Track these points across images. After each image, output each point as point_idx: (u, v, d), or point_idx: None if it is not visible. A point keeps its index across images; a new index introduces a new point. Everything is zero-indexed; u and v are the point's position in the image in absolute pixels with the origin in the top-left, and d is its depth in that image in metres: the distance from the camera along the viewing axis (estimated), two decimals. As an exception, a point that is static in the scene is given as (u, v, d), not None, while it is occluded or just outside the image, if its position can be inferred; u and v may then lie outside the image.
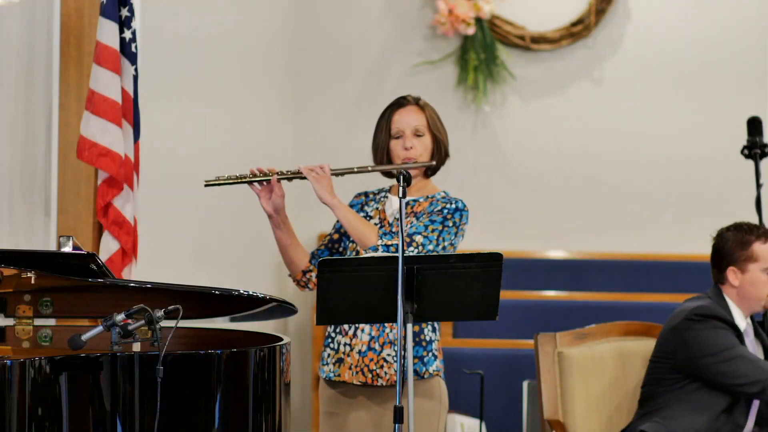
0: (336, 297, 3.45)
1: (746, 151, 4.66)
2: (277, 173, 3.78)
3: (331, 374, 3.83)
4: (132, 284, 3.64)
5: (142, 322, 3.21)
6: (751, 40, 7.04)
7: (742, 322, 4.38)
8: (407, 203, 3.85)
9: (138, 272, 4.62)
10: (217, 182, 3.78)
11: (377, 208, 3.89)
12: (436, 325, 3.84)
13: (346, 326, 3.81)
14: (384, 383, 3.76)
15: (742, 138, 4.78)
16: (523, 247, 7.02)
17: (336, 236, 3.93)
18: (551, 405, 4.43)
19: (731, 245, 4.36)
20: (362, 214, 3.90)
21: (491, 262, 3.46)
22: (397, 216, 3.80)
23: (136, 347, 3.45)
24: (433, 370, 3.80)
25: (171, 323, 3.22)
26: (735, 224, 4.41)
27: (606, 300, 6.60)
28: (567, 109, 7.09)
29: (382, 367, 3.75)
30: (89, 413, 3.20)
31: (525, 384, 5.29)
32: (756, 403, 4.34)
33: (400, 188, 3.46)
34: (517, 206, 7.07)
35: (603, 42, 7.09)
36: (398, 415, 3.34)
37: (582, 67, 7.11)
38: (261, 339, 3.71)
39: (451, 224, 3.77)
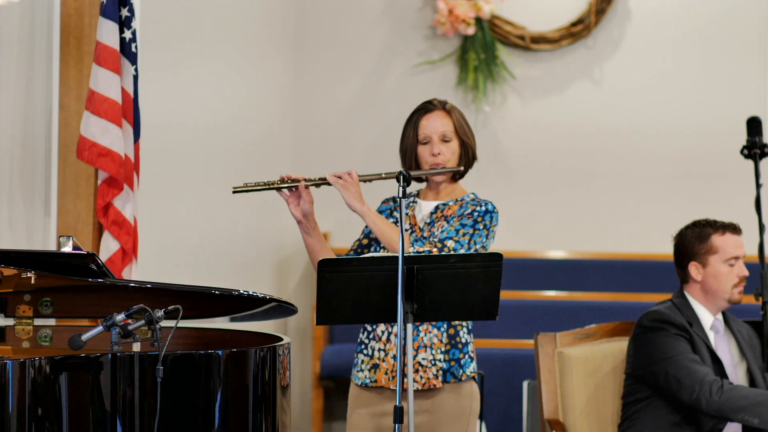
0: (336, 297, 3.45)
1: (746, 151, 4.66)
2: (305, 179, 3.79)
3: (367, 380, 3.82)
4: (132, 284, 3.64)
5: (142, 322, 3.21)
6: (751, 38, 7.04)
7: (709, 319, 4.37)
8: (437, 207, 3.86)
9: (138, 272, 4.61)
10: (245, 189, 3.78)
11: (407, 214, 3.89)
12: (470, 326, 3.84)
13: (379, 332, 3.81)
14: (419, 387, 3.76)
15: (744, 137, 4.78)
16: (523, 247, 7.02)
17: (365, 241, 3.92)
18: (551, 405, 4.43)
19: (690, 241, 4.39)
20: (392, 220, 3.89)
21: (491, 262, 3.47)
22: (428, 221, 3.82)
23: (136, 347, 3.45)
24: (470, 372, 3.81)
25: (171, 323, 3.22)
26: (693, 222, 4.44)
27: (606, 300, 6.60)
28: (567, 109, 7.10)
29: (417, 371, 3.75)
30: (89, 413, 3.20)
31: (525, 384, 5.29)
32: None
33: (400, 188, 3.46)
34: (517, 206, 7.07)
35: (603, 42, 7.10)
36: (398, 415, 3.34)
37: (582, 67, 7.11)
38: (261, 339, 3.71)
39: (481, 227, 3.78)
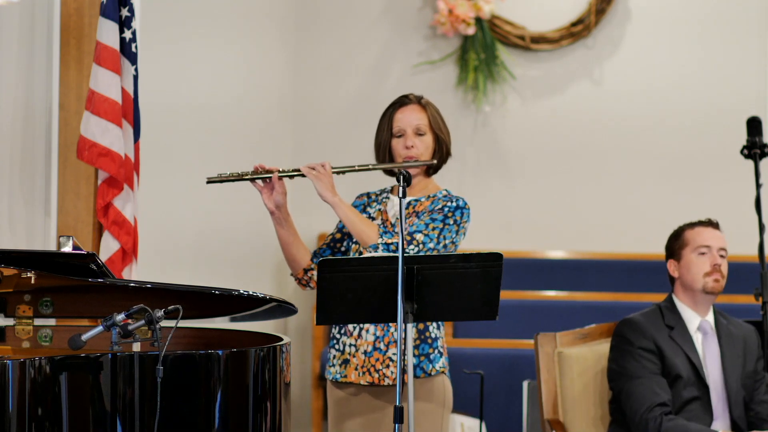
0: (336, 297, 3.45)
1: (746, 151, 4.66)
2: (279, 171, 3.80)
3: (338, 375, 3.84)
4: (132, 284, 3.64)
5: (142, 322, 3.21)
6: (751, 38, 7.04)
7: (696, 320, 4.37)
8: (409, 203, 3.86)
9: (138, 272, 4.62)
10: (219, 179, 3.80)
11: (379, 209, 3.89)
12: (440, 322, 3.84)
13: (350, 327, 3.82)
14: (390, 382, 3.77)
15: (744, 137, 4.78)
16: (523, 247, 7.02)
17: (338, 235, 3.94)
18: (551, 405, 4.43)
19: (669, 242, 4.48)
20: (365, 215, 3.90)
21: (491, 262, 3.46)
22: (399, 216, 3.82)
23: (136, 347, 3.45)
24: (440, 367, 3.81)
25: (171, 323, 3.22)
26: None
27: (606, 300, 6.60)
28: (567, 109, 7.10)
29: (387, 366, 3.76)
30: (89, 413, 3.20)
31: (525, 384, 5.29)
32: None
33: (400, 188, 3.46)
34: (517, 206, 7.08)
35: (603, 42, 7.10)
36: (398, 415, 3.34)
37: (582, 67, 7.11)
38: (261, 339, 3.71)
39: (451, 222, 3.78)
